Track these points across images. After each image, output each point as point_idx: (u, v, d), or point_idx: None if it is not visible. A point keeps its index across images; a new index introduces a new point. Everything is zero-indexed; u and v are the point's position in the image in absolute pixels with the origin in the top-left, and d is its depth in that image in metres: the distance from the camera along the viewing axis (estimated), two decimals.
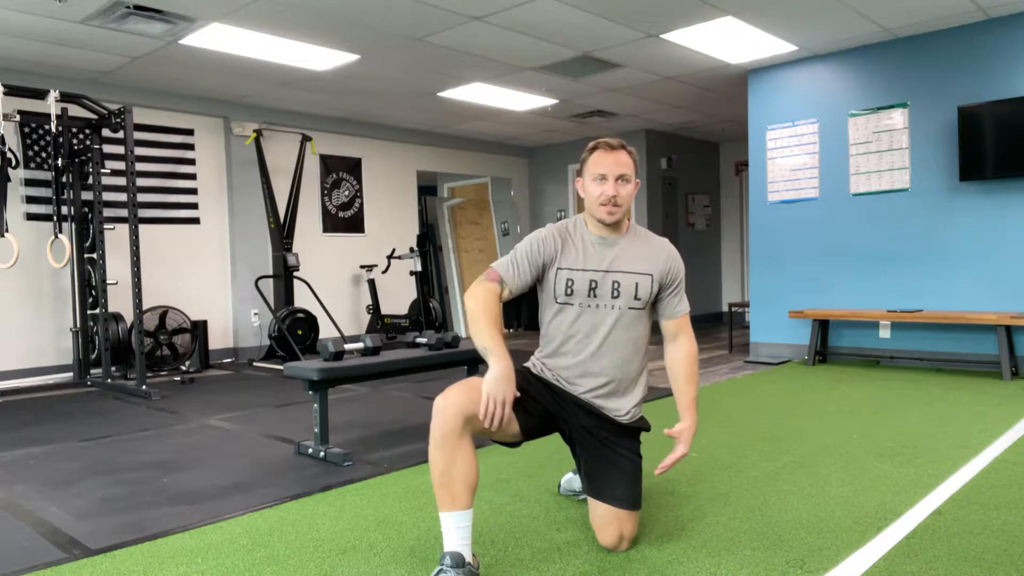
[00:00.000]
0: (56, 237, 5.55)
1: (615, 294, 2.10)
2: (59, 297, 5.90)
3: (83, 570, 2.04)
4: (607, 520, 2.05)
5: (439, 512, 1.88)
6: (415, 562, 2.04)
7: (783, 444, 3.28)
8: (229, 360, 6.89)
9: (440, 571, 1.82)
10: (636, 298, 2.11)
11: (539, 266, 2.11)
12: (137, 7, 4.42)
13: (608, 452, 2.10)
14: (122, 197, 5.93)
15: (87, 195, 5.69)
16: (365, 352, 3.44)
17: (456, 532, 1.86)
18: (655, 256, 2.17)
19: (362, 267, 7.90)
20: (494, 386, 1.89)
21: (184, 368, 6.13)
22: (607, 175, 2.07)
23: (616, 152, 2.09)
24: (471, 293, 2.06)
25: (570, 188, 9.54)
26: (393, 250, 7.99)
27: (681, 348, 2.21)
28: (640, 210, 8.75)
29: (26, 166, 5.69)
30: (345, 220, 7.84)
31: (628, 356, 2.13)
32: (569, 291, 2.10)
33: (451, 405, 1.87)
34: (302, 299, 7.18)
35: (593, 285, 2.09)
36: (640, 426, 2.18)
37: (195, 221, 6.70)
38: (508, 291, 2.10)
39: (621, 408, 2.13)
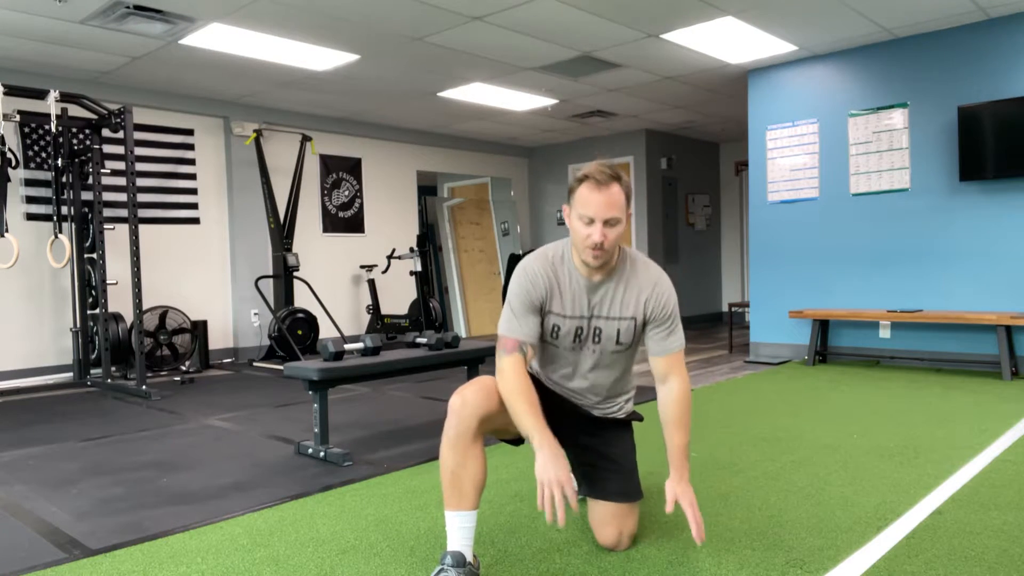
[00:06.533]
0: (56, 237, 5.55)
1: (596, 339, 2.04)
2: (59, 297, 5.90)
3: (83, 570, 2.04)
4: (607, 518, 2.06)
5: (445, 510, 1.89)
6: (415, 562, 2.04)
7: (783, 444, 3.28)
8: (229, 360, 6.89)
9: (441, 570, 1.82)
10: (618, 343, 2.04)
11: (538, 309, 1.99)
12: (137, 7, 4.42)
13: (602, 448, 2.13)
14: (122, 197, 5.94)
15: (87, 195, 5.69)
16: (365, 352, 3.44)
17: (460, 532, 1.86)
18: (638, 296, 2.01)
19: (362, 267, 7.90)
20: (546, 471, 1.76)
21: (184, 368, 6.13)
22: (595, 218, 1.86)
23: (607, 188, 1.86)
24: (499, 372, 1.93)
25: None
26: (393, 250, 7.99)
27: (671, 391, 2.01)
28: (640, 210, 8.75)
29: (26, 166, 5.69)
30: (345, 220, 7.84)
31: (615, 378, 2.12)
32: (555, 335, 2.04)
33: (469, 406, 1.87)
34: (302, 299, 7.18)
35: (578, 332, 2.03)
36: (632, 418, 2.21)
37: (195, 221, 6.70)
38: (531, 348, 1.98)
39: (613, 406, 2.17)
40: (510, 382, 1.89)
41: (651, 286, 2.00)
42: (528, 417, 1.84)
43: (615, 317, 2.00)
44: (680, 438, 1.99)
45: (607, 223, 1.86)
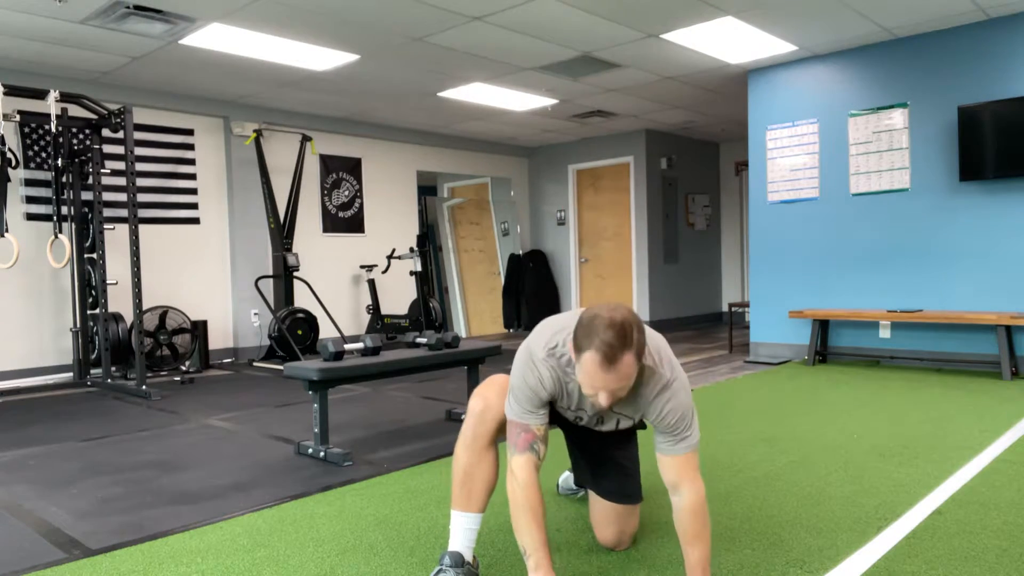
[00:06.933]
0: (56, 237, 5.55)
1: (598, 423, 1.97)
2: (59, 297, 5.90)
3: (83, 570, 2.04)
4: (608, 517, 2.05)
5: (451, 509, 1.89)
6: (415, 562, 2.04)
7: (783, 444, 3.28)
8: (229, 360, 6.89)
9: (439, 571, 1.82)
10: (618, 426, 1.98)
11: (546, 404, 1.82)
12: (137, 7, 4.42)
13: (607, 449, 2.11)
14: (122, 197, 5.94)
15: (87, 195, 5.69)
16: (365, 352, 3.44)
17: (463, 533, 1.87)
18: (636, 405, 1.83)
19: (362, 267, 7.91)
20: None
21: (184, 368, 6.13)
22: (600, 390, 1.64)
23: (615, 367, 1.59)
24: (510, 473, 1.78)
25: (570, 188, 9.54)
26: (393, 250, 7.99)
27: (683, 500, 1.76)
28: (640, 210, 8.75)
29: (26, 166, 5.69)
30: (345, 220, 7.84)
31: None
32: (557, 419, 1.99)
33: (491, 410, 1.87)
34: (302, 299, 7.18)
35: (578, 418, 1.95)
36: (635, 427, 2.19)
37: (195, 221, 6.70)
38: (543, 446, 1.80)
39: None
40: (520, 491, 1.74)
41: (651, 399, 1.78)
42: (530, 536, 1.72)
43: (617, 412, 1.89)
44: (698, 553, 1.75)
45: (615, 391, 1.65)
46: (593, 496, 2.11)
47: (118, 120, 5.12)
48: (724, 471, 2.86)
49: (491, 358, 3.92)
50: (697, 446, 1.79)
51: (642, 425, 2.22)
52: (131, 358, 5.62)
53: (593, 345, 1.59)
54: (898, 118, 5.51)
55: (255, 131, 6.84)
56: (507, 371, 2.04)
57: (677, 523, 1.78)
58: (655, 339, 1.81)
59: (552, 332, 1.82)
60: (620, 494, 2.06)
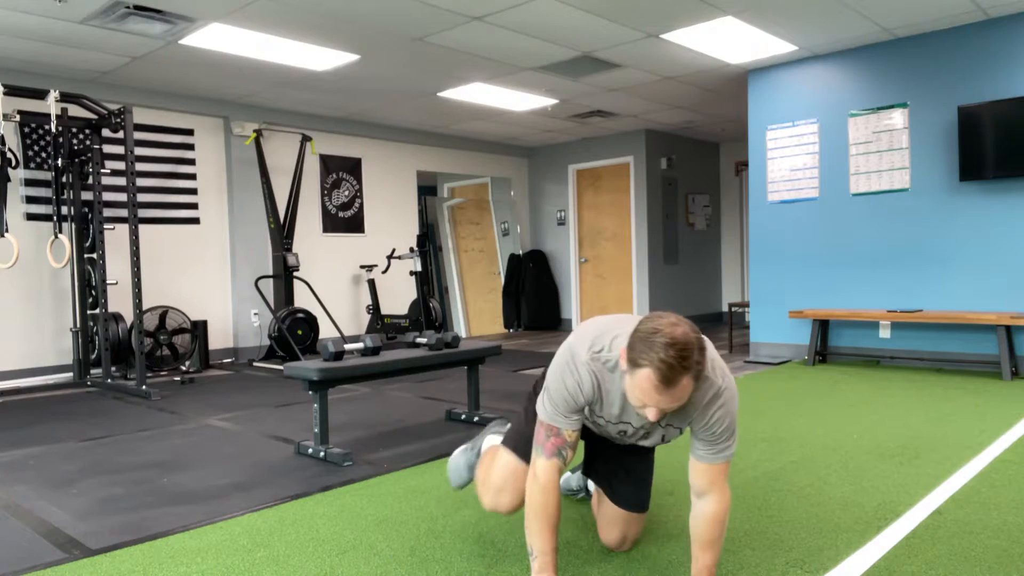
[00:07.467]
0: (56, 237, 5.55)
1: (643, 437, 1.88)
2: (59, 297, 5.90)
3: (83, 570, 2.04)
4: (614, 520, 2.05)
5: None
6: (415, 562, 2.04)
7: (783, 444, 3.28)
8: (229, 360, 6.89)
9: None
10: (664, 440, 1.92)
11: (581, 410, 1.77)
12: (137, 7, 4.42)
13: (625, 457, 2.09)
14: (122, 197, 5.94)
15: (87, 195, 5.69)
16: (365, 352, 3.44)
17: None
18: (685, 413, 1.74)
19: (362, 267, 7.91)
20: None
21: (184, 368, 6.13)
22: (648, 407, 1.59)
23: (672, 388, 1.52)
24: (531, 475, 1.77)
25: (570, 188, 9.54)
26: (393, 250, 7.99)
27: (709, 507, 1.72)
28: (640, 210, 8.75)
29: (26, 166, 5.69)
30: (345, 220, 7.84)
31: None
32: (597, 428, 1.89)
33: (501, 510, 1.99)
34: (302, 299, 7.18)
35: (622, 433, 1.87)
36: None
37: (195, 221, 6.70)
38: (571, 452, 1.78)
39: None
40: (540, 495, 1.74)
41: (701, 406, 1.70)
42: (541, 540, 1.73)
43: (665, 425, 1.80)
44: (709, 557, 1.74)
45: (665, 409, 1.59)
46: (603, 497, 2.09)
47: (118, 120, 5.12)
48: None
49: (491, 359, 3.91)
50: (731, 458, 1.75)
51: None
52: (131, 358, 5.62)
53: (651, 362, 1.50)
54: (898, 118, 5.51)
55: (255, 131, 6.85)
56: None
57: (695, 527, 1.74)
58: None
59: (598, 333, 1.74)
60: (633, 502, 2.04)
